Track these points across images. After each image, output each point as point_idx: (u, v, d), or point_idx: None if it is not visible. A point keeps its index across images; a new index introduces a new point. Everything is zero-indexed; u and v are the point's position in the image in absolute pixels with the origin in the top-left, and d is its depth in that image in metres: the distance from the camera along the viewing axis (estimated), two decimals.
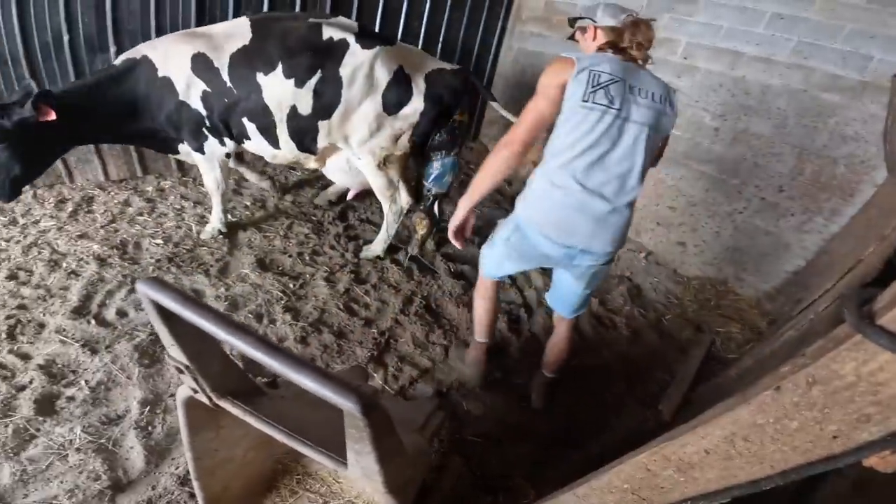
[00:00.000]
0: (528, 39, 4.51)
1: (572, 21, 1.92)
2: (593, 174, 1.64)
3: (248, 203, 3.52)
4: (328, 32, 2.52)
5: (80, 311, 2.41)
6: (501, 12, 4.57)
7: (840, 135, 2.76)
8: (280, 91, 2.53)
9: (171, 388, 2.12)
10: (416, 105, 2.65)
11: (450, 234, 1.94)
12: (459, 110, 2.83)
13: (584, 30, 1.87)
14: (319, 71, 2.51)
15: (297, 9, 3.63)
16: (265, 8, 3.50)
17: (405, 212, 3.11)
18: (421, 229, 3.14)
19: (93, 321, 2.37)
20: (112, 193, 3.37)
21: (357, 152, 2.77)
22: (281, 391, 1.31)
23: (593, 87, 1.58)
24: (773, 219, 3.09)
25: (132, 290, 2.58)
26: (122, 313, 2.45)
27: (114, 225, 3.03)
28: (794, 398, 0.53)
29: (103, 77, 2.52)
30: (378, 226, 3.48)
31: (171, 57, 2.54)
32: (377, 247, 3.14)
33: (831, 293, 2.30)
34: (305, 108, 2.59)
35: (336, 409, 1.32)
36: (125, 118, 2.58)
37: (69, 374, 2.14)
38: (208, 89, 2.57)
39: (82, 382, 2.10)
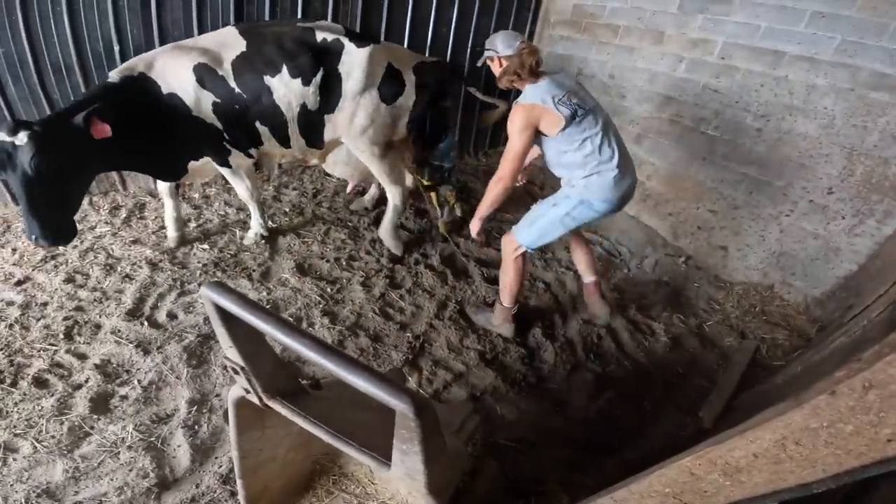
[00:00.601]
0: (558, 43, 4.50)
1: (480, 53, 2.38)
2: (615, 155, 2.23)
3: (287, 209, 3.65)
4: (321, 35, 2.68)
5: (133, 313, 2.56)
6: (529, 17, 4.58)
7: (891, 134, 2.63)
8: (289, 90, 2.64)
9: (217, 388, 2.21)
10: (409, 95, 2.90)
11: (473, 235, 2.58)
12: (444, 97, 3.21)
13: (492, 59, 2.31)
14: (321, 69, 2.66)
15: (330, 12, 3.76)
16: (299, 12, 3.65)
17: (408, 193, 3.35)
18: (451, 199, 3.67)
19: (145, 323, 2.51)
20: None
21: (359, 143, 2.90)
22: (323, 392, 1.35)
23: (567, 107, 2.13)
24: (821, 222, 2.96)
25: (182, 294, 2.72)
26: (172, 315, 2.58)
27: (164, 231, 3.20)
28: (849, 402, 0.53)
29: (106, 95, 2.36)
30: (412, 231, 3.54)
31: (171, 71, 2.51)
32: (386, 233, 3.26)
33: (884, 298, 2.19)
34: (313, 104, 2.72)
35: (378, 412, 1.36)
36: (134, 139, 2.46)
37: (123, 374, 2.25)
38: (218, 100, 2.59)
39: (135, 382, 2.21)
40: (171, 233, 3.11)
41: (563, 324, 2.86)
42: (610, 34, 3.97)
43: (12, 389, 2.14)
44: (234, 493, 1.79)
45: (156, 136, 2.54)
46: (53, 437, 1.96)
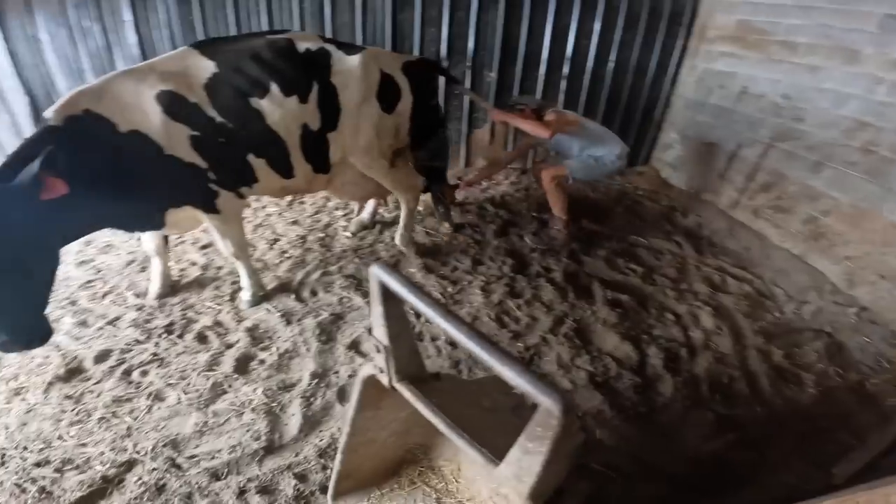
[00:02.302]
0: (717, 60, 4.14)
1: (514, 103, 3.42)
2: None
3: (420, 207, 3.86)
4: (302, 45, 2.41)
5: (284, 286, 2.91)
6: (681, 32, 4.29)
7: None
8: (286, 111, 2.31)
9: (337, 366, 2.39)
10: (407, 98, 2.73)
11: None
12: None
13: (521, 110, 3.28)
14: (315, 82, 2.39)
15: (474, 18, 3.88)
16: (445, 20, 3.88)
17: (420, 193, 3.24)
18: (449, 197, 3.60)
19: (292, 296, 2.84)
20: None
21: (367, 159, 2.70)
22: (442, 384, 1.39)
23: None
24: None
25: (324, 274, 3.04)
26: (313, 292, 2.89)
27: (318, 216, 3.62)
28: None
29: (50, 142, 1.83)
30: (535, 243, 3.52)
31: (126, 105, 2.06)
32: (405, 231, 3.19)
33: None
34: (315, 122, 2.43)
35: (487, 412, 1.37)
36: (95, 193, 1.98)
37: (266, 340, 2.54)
38: (196, 132, 2.17)
39: (274, 349, 2.48)
40: (154, 288, 2.81)
41: (691, 359, 2.61)
42: (785, 51, 3.54)
43: (178, 341, 2.54)
44: (325, 467, 1.90)
45: (119, 185, 2.06)
46: (197, 390, 2.23)
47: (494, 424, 1.24)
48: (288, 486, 1.84)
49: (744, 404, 2.35)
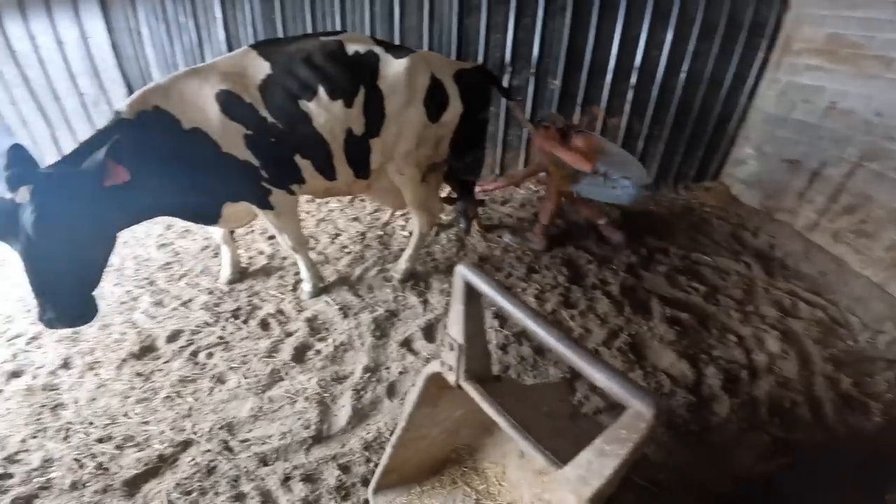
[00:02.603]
0: (802, 73, 3.89)
1: (539, 121, 3.31)
2: None
3: (479, 211, 3.88)
4: (352, 47, 2.37)
5: (343, 280, 3.02)
6: (763, 44, 4.06)
7: None
8: (332, 115, 2.31)
9: (388, 362, 2.44)
10: (455, 108, 2.56)
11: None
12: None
13: (547, 128, 3.20)
14: (362, 87, 2.34)
15: (539, 28, 3.86)
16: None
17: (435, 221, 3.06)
18: (472, 214, 3.43)
19: (350, 290, 2.94)
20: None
21: (401, 166, 2.60)
22: (503, 386, 1.40)
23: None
24: None
25: (381, 271, 3.12)
26: (370, 288, 2.98)
27: (377, 213, 3.73)
28: None
29: (120, 133, 1.96)
30: (594, 254, 3.45)
31: (190, 102, 2.16)
32: (408, 263, 3.03)
33: None
34: (359, 127, 2.40)
35: (546, 417, 1.36)
36: (157, 184, 2.11)
37: (323, 331, 2.64)
38: (250, 132, 2.24)
39: (330, 340, 2.57)
40: (225, 274, 3.02)
41: (751, 381, 2.49)
42: (881, 67, 3.29)
43: (243, 326, 2.69)
44: (368, 460, 1.93)
45: (177, 178, 2.18)
46: (256, 376, 2.33)
47: (553, 429, 1.24)
48: (331, 476, 1.88)
49: (803, 429, 2.24)
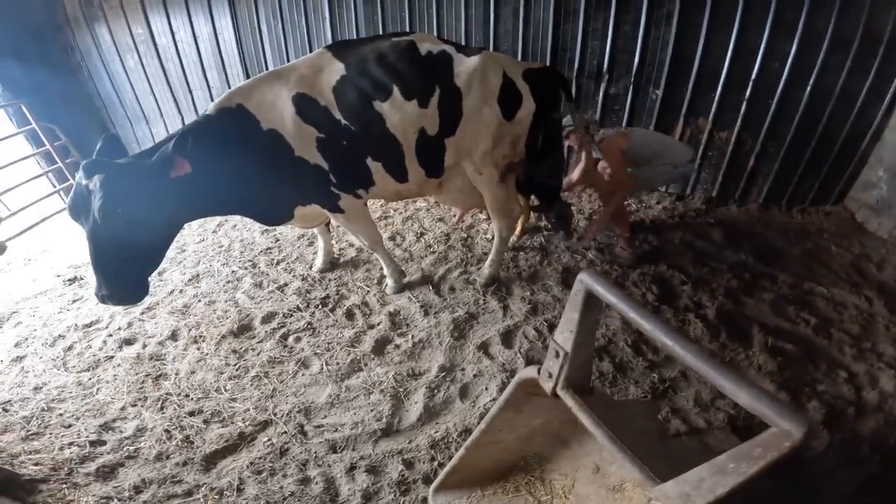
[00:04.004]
0: None
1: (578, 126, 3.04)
2: None
3: (554, 219, 3.80)
4: (424, 47, 2.35)
5: (426, 278, 3.09)
6: None
7: None
8: (405, 115, 2.29)
9: (464, 363, 2.45)
10: (528, 106, 2.48)
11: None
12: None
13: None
14: (437, 86, 2.32)
15: (641, 34, 3.72)
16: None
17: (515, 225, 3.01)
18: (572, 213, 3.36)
19: (432, 289, 3.00)
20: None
21: (479, 166, 2.55)
22: (596, 399, 1.35)
23: None
24: None
25: (463, 273, 3.15)
26: (452, 289, 3.02)
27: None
28: None
29: (202, 130, 2.12)
30: (690, 275, 3.22)
31: (269, 104, 2.21)
32: (492, 269, 2.99)
33: None
34: (433, 127, 2.37)
35: (641, 433, 1.28)
36: (224, 180, 2.19)
37: (404, 326, 2.71)
38: (322, 135, 2.26)
39: (410, 336, 2.63)
40: (318, 262, 3.23)
41: (857, 418, 2.23)
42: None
43: (330, 314, 2.82)
44: (433, 459, 1.93)
45: (251, 177, 2.25)
46: (338, 364, 2.43)
47: (647, 446, 1.18)
48: (394, 470, 1.91)
49: None
